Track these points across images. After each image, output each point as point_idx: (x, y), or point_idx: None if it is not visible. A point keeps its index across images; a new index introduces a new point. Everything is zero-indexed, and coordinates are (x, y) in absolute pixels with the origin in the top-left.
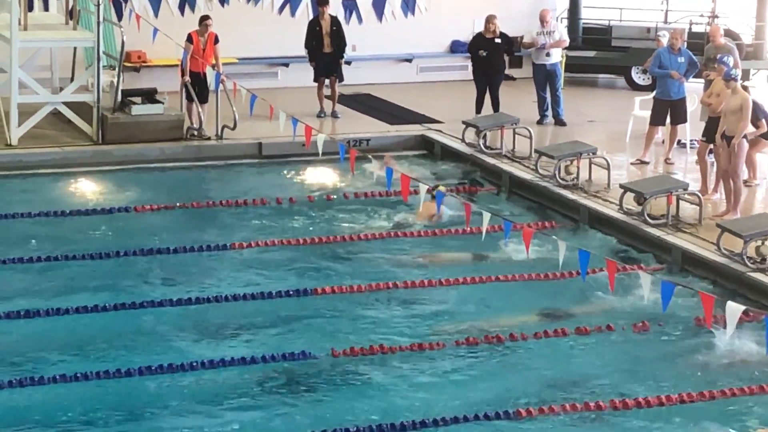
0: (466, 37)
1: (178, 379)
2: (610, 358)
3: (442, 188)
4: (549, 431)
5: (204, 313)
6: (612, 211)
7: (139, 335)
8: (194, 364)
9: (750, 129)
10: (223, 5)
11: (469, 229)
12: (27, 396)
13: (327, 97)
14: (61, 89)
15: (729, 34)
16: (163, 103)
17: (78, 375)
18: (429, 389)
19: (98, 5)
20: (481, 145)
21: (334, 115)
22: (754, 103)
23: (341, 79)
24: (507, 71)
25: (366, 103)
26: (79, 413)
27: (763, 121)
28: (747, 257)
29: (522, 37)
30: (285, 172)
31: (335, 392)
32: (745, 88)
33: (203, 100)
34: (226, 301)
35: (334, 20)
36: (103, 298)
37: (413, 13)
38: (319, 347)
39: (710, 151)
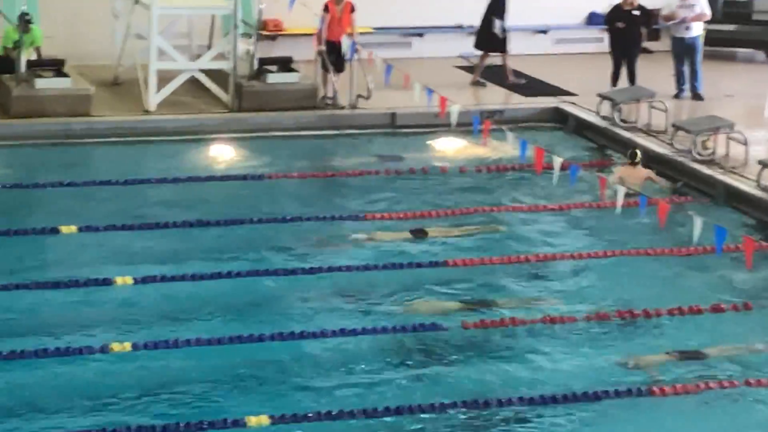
0: (603, 8)
1: (312, 347)
2: (747, 336)
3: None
4: (684, 408)
5: (335, 283)
6: (749, 188)
7: (272, 302)
8: (326, 332)
9: None
10: None
11: (603, 203)
12: (164, 357)
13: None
14: (199, 56)
15: None
16: (298, 71)
17: (212, 339)
18: (559, 363)
19: None
20: (616, 119)
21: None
22: None
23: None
24: (644, 44)
25: (500, 74)
26: (217, 375)
27: None
28: None
29: (661, 10)
30: (418, 142)
31: (466, 364)
32: None
33: (338, 69)
34: (357, 271)
35: None
36: (237, 265)
37: None
38: (449, 319)
39: None
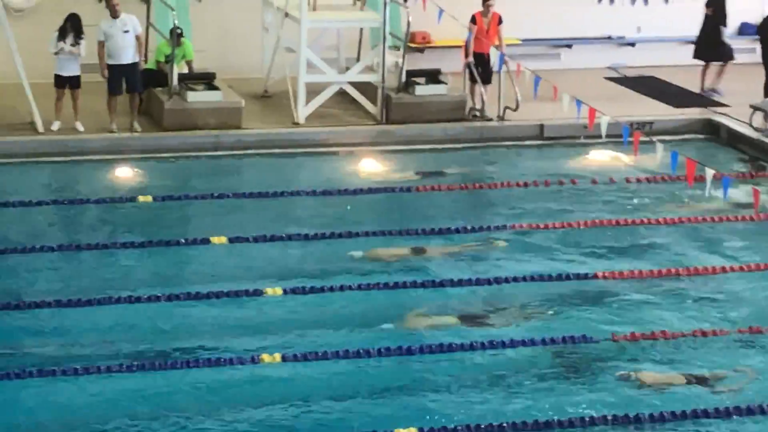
0: (755, 19)
1: (460, 358)
2: None
3: None
4: None
5: (484, 294)
6: None
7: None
8: (474, 344)
9: None
10: None
11: (757, 216)
12: (314, 368)
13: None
14: (347, 69)
15: None
16: (446, 83)
17: (361, 351)
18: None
19: None
20: None
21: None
22: None
23: None
24: None
25: (650, 85)
26: (366, 386)
27: None
28: None
29: None
30: (566, 153)
31: (615, 377)
32: None
33: (486, 80)
34: (506, 283)
35: None
36: (384, 277)
37: None
38: (599, 331)
39: None
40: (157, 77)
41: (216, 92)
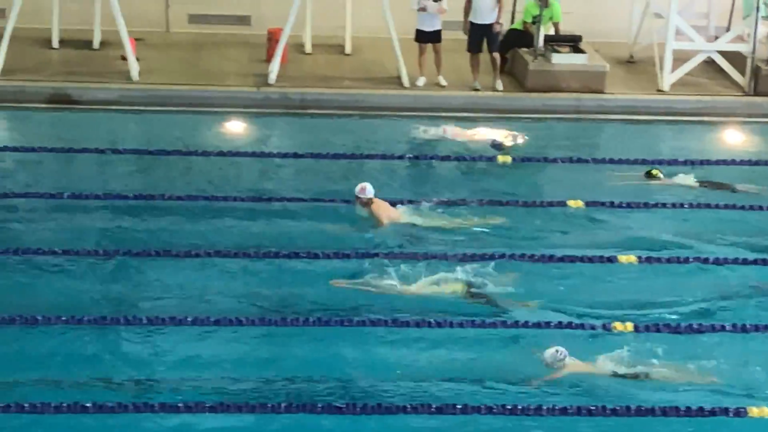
0: None
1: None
2: None
3: None
4: None
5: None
6: None
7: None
8: None
9: None
10: None
11: None
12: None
13: None
14: (716, 38)
15: None
16: None
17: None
18: None
19: None
20: None
21: None
22: None
23: None
24: None
25: None
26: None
27: None
28: None
29: None
30: None
31: None
32: None
33: None
34: None
35: None
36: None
37: None
38: None
39: None
40: (523, 38)
41: (581, 55)
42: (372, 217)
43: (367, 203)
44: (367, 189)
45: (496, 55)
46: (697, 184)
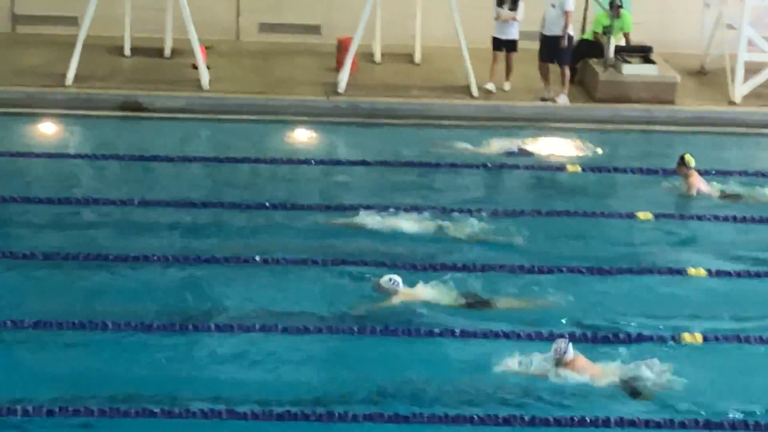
0: None
1: None
2: None
3: None
4: None
5: None
6: None
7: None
8: None
9: None
10: None
11: None
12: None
13: None
14: None
15: None
16: None
17: None
18: None
19: None
20: None
21: None
22: None
23: None
24: None
25: None
26: None
27: None
28: None
29: None
30: None
31: None
32: None
33: None
34: None
35: None
36: None
37: None
38: None
39: None
40: (594, 48)
41: (651, 66)
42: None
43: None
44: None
45: (565, 68)
46: None
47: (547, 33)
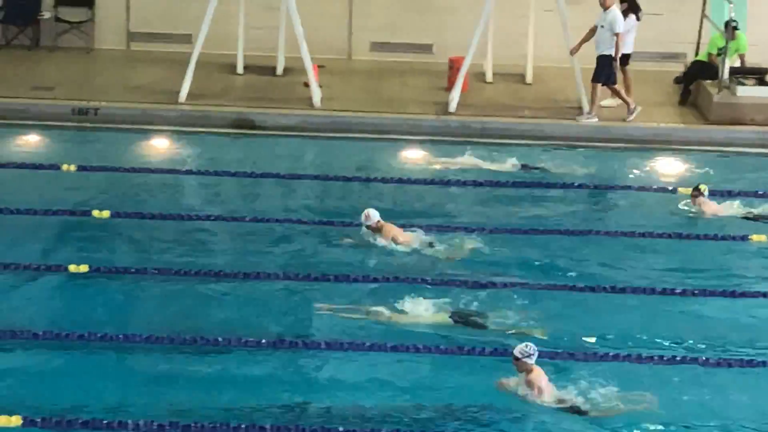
0: None
1: None
2: None
3: None
4: None
5: None
6: None
7: None
8: None
9: None
10: None
11: None
12: None
13: None
14: None
15: None
16: None
17: None
18: None
19: None
20: None
21: None
22: None
23: None
24: None
25: None
26: None
27: None
28: None
29: None
30: None
31: None
32: None
33: None
34: None
35: None
36: None
37: None
38: None
39: None
40: (708, 70)
41: (766, 88)
42: (386, 239)
43: (377, 228)
44: (371, 215)
45: (595, 84)
46: None
47: (597, 52)
